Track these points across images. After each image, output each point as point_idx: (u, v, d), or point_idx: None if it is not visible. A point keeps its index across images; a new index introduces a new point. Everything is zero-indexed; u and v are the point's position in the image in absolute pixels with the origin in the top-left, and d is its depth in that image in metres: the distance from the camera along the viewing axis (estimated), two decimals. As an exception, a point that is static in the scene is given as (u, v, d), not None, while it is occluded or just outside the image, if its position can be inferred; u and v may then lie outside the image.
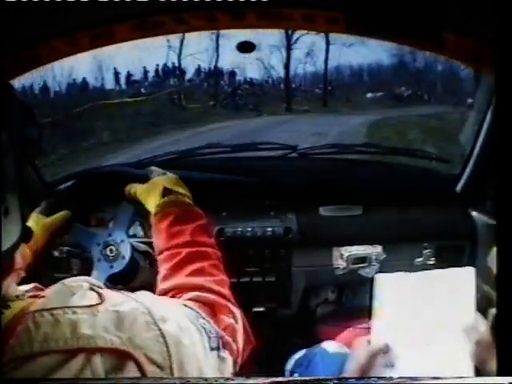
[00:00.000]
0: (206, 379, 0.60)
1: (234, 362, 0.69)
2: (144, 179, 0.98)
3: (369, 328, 0.89)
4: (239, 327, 0.73)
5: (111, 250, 1.03)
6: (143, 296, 0.65)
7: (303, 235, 1.28)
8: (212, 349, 0.65)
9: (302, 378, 0.73)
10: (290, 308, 1.32)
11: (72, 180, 1.29)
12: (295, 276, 1.30)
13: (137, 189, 0.95)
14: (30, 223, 1.04)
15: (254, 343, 0.79)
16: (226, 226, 1.26)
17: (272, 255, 1.28)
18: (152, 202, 0.89)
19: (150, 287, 1.00)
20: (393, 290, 0.89)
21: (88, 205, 1.21)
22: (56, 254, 1.10)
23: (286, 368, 1.17)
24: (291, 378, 0.68)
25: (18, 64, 0.87)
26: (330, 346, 1.11)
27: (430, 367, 0.83)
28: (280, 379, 0.64)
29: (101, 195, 1.20)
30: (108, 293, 0.62)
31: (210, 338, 0.65)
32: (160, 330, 0.58)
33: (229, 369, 0.67)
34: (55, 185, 1.33)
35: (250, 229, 1.26)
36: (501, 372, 0.64)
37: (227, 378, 0.65)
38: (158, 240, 0.85)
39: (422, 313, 0.88)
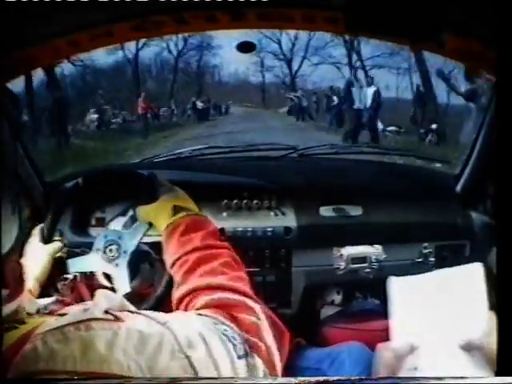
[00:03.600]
0: (231, 378, 0.57)
1: (268, 361, 0.65)
2: (146, 182, 0.99)
3: (372, 330, 0.89)
4: (263, 323, 0.69)
5: (111, 250, 1.04)
6: (162, 316, 0.61)
7: (303, 235, 1.28)
8: (239, 357, 0.60)
9: (335, 378, 0.72)
10: (290, 308, 1.32)
11: (72, 180, 1.29)
12: (295, 276, 1.30)
13: (146, 210, 0.95)
14: (40, 254, 1.05)
15: (287, 332, 0.76)
16: (226, 226, 1.25)
17: (272, 255, 1.28)
18: (163, 222, 0.88)
19: (150, 288, 1.00)
20: (407, 293, 0.90)
21: (88, 205, 1.21)
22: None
23: (297, 364, 1.15)
24: (321, 378, 0.66)
25: (18, 64, 0.87)
26: (356, 346, 1.10)
27: (448, 367, 0.83)
28: (308, 379, 0.62)
29: (101, 195, 1.20)
30: (125, 314, 0.57)
31: (234, 345, 0.60)
32: (187, 357, 0.53)
33: (260, 374, 0.62)
34: (55, 185, 1.33)
35: (250, 229, 1.26)
36: (501, 372, 0.64)
37: (252, 378, 0.62)
38: (169, 253, 0.84)
39: (437, 313, 0.88)
